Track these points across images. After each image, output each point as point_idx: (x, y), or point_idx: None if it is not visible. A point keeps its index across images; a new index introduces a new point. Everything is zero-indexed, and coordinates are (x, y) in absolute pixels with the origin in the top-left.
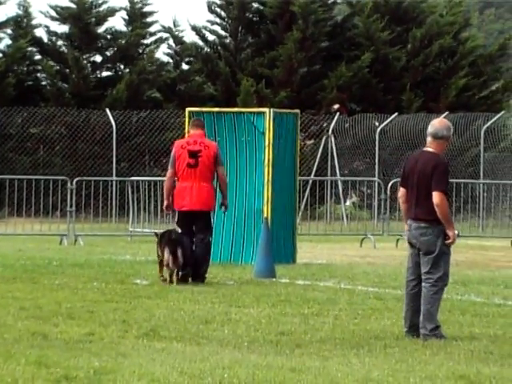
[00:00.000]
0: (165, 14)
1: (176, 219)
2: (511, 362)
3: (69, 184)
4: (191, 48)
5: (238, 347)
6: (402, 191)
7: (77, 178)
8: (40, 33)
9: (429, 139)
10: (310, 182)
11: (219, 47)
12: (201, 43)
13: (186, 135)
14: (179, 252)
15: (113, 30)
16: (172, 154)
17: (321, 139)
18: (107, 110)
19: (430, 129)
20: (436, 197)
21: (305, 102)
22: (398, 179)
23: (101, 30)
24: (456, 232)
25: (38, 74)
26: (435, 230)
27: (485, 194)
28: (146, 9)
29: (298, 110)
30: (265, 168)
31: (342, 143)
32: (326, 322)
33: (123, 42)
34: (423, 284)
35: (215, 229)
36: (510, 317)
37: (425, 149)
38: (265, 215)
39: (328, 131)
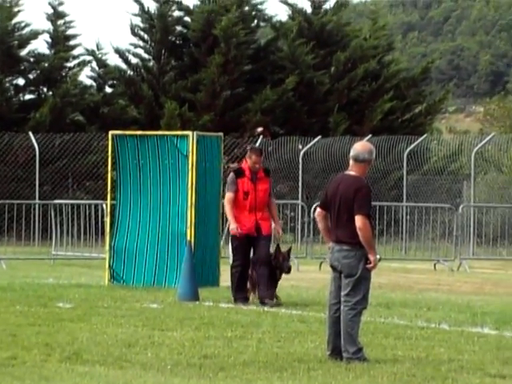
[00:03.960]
0: (88, 37)
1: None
2: None
3: None
4: (114, 71)
5: (162, 371)
6: (319, 211)
7: None
8: None
9: (351, 162)
10: None
11: (142, 70)
12: (124, 66)
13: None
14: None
15: (36, 52)
16: None
17: None
18: (30, 134)
19: (352, 152)
20: (358, 220)
21: (228, 125)
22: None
23: (23, 52)
24: (378, 256)
25: None
26: (357, 253)
27: (408, 217)
28: (70, 32)
29: (221, 133)
30: (188, 191)
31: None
32: (249, 345)
33: (46, 64)
34: (342, 307)
35: (138, 252)
36: (432, 339)
37: (347, 172)
38: (188, 238)
39: None
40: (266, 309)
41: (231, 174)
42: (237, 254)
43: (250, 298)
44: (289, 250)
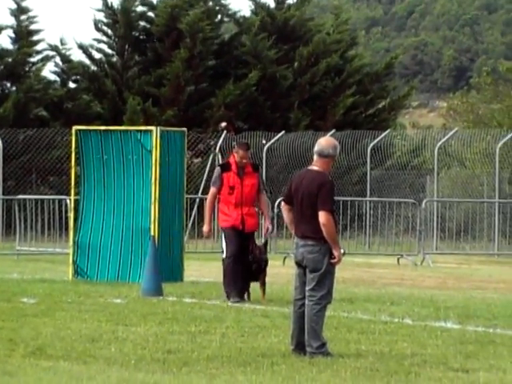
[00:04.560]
0: (52, 32)
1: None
2: (397, 378)
3: None
4: (78, 66)
5: (125, 366)
6: (284, 205)
7: None
8: None
9: (315, 157)
10: (198, 200)
11: (106, 65)
12: (87, 62)
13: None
14: None
15: None
16: None
17: (208, 157)
18: None
19: (317, 147)
20: (322, 216)
21: (192, 120)
22: (284, 196)
23: None
24: (342, 251)
25: None
26: (322, 248)
27: (371, 212)
28: (33, 27)
29: (185, 128)
30: (152, 186)
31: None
32: (213, 340)
33: (10, 60)
34: (307, 302)
35: (102, 247)
36: (396, 334)
37: (310, 167)
38: (152, 233)
39: (215, 149)
40: (229, 304)
41: (217, 169)
42: (228, 245)
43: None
44: (265, 244)
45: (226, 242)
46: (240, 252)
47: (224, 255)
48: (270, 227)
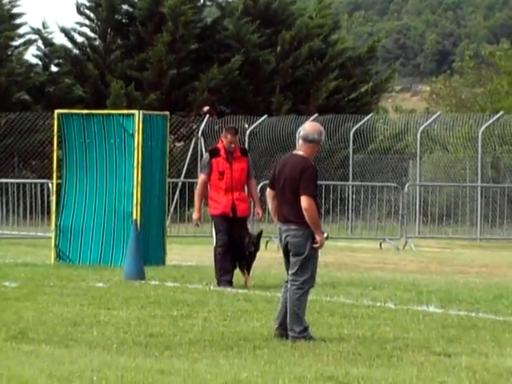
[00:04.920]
0: (34, 16)
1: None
2: (379, 362)
3: None
4: (60, 50)
5: (107, 349)
6: (269, 191)
7: None
8: None
9: (300, 142)
10: (180, 184)
11: (88, 49)
12: (70, 45)
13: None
14: None
15: None
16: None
17: (190, 141)
18: None
19: (302, 132)
20: (304, 201)
21: (175, 104)
22: (268, 181)
23: None
24: (325, 235)
25: None
26: (305, 232)
27: (354, 196)
28: (15, 10)
29: (167, 112)
30: (134, 170)
31: (212, 145)
32: (195, 324)
33: None
34: (289, 286)
35: (84, 231)
36: (378, 318)
37: (295, 152)
38: (134, 217)
39: (198, 133)
40: (211, 288)
41: (206, 155)
42: (219, 234)
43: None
44: (259, 234)
45: (216, 230)
46: (231, 240)
47: (214, 244)
48: (261, 212)
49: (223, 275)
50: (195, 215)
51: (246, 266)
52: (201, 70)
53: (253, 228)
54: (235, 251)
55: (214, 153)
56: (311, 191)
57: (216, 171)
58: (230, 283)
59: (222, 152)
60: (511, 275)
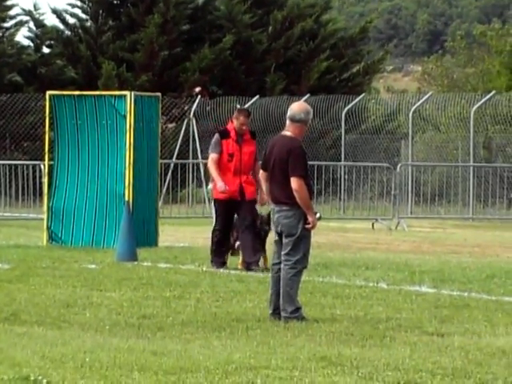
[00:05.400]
0: None
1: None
2: (372, 342)
3: None
4: (52, 31)
5: (100, 331)
6: (261, 173)
7: None
8: None
9: (287, 122)
10: (172, 165)
11: (80, 30)
12: (61, 26)
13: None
14: None
15: None
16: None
17: (182, 122)
18: None
19: (289, 112)
20: (294, 182)
21: (166, 85)
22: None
23: None
24: (318, 215)
25: None
26: (296, 212)
27: (346, 177)
28: None
29: (159, 93)
30: (126, 151)
31: (204, 126)
32: (188, 305)
33: None
34: (282, 266)
35: (77, 212)
36: (370, 298)
37: (283, 132)
38: (126, 198)
39: (190, 114)
40: (204, 269)
41: (216, 135)
42: (219, 218)
43: (228, 262)
44: (268, 214)
45: (217, 214)
46: (229, 227)
47: (213, 225)
48: (266, 197)
49: (217, 256)
50: (220, 183)
51: (261, 247)
52: (192, 50)
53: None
54: (249, 233)
55: (223, 134)
56: (300, 172)
57: (225, 153)
58: (223, 264)
59: (233, 134)
60: (503, 255)
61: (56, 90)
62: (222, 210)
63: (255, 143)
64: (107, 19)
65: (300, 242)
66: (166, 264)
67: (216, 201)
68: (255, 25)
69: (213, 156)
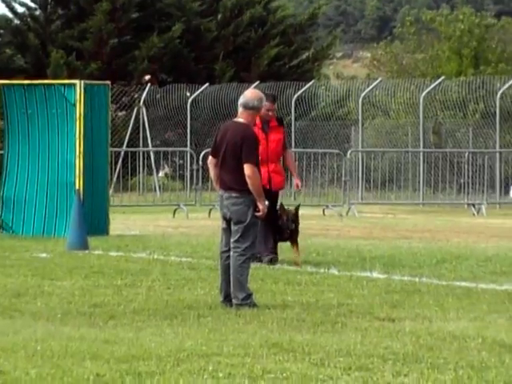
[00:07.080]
0: None
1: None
2: (323, 329)
3: None
4: (0, 20)
5: (51, 320)
6: (211, 159)
7: None
8: None
9: (240, 109)
10: (122, 153)
11: (29, 19)
12: (10, 15)
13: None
14: None
15: None
16: None
17: (132, 110)
18: None
19: (242, 99)
20: (247, 169)
21: (116, 73)
22: (210, 149)
23: None
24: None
25: None
26: (246, 199)
27: (296, 163)
28: None
29: (108, 82)
30: (76, 140)
31: (154, 114)
32: (139, 293)
33: None
34: (231, 253)
35: (27, 201)
36: (321, 284)
37: (236, 119)
38: (77, 187)
39: (139, 102)
40: (155, 257)
41: None
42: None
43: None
44: (296, 209)
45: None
46: (271, 214)
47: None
48: (300, 183)
49: (265, 250)
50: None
51: (291, 243)
52: (141, 39)
53: (196, 196)
54: (264, 224)
55: None
56: (254, 159)
57: None
58: (274, 259)
59: (258, 121)
60: (454, 240)
61: (5, 79)
62: None
63: (283, 130)
64: (56, 8)
65: (249, 230)
66: (117, 252)
67: None
68: (204, 13)
69: None
